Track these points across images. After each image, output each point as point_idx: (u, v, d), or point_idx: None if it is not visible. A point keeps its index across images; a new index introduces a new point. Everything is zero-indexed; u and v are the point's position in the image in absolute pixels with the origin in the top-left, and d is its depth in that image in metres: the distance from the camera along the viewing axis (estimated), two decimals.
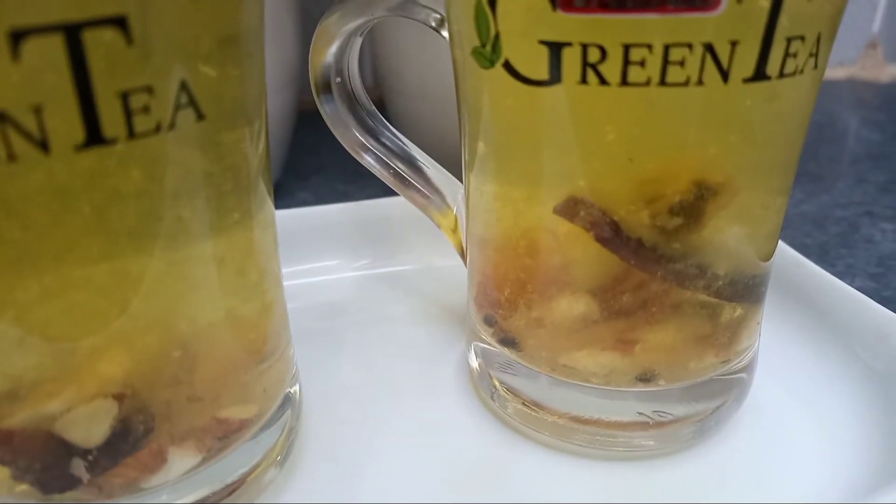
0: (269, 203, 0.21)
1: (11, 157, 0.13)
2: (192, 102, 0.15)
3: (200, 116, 0.16)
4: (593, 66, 0.17)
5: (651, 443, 0.24)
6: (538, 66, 0.18)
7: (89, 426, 0.18)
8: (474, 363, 0.26)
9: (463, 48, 0.21)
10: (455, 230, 0.27)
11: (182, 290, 0.18)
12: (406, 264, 0.35)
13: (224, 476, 0.21)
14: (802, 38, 0.18)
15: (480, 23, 0.18)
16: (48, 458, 0.18)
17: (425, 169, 0.27)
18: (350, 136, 0.27)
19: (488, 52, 0.19)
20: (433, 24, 0.24)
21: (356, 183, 0.48)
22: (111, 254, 0.16)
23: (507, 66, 0.19)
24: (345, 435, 0.24)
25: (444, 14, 0.24)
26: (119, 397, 0.18)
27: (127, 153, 0.15)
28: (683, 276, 0.21)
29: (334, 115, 0.26)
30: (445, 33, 0.24)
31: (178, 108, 0.15)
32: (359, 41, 0.26)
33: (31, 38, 0.13)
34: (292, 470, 0.23)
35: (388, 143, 0.27)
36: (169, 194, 0.16)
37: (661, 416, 0.24)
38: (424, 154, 0.28)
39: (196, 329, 0.19)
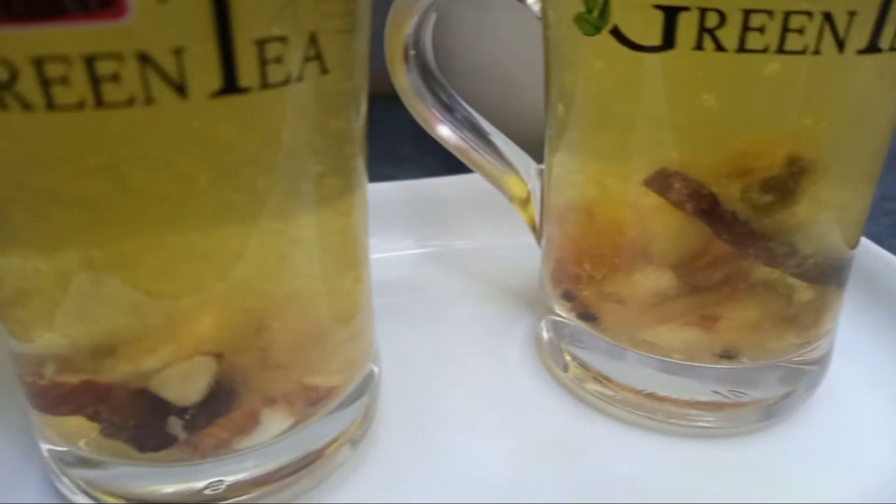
0: (366, 174, 0.21)
1: (149, 100, 0.13)
2: (319, 55, 0.15)
3: (324, 70, 0.16)
4: (710, 32, 0.17)
5: (724, 423, 0.24)
6: (650, 32, 0.18)
7: (187, 383, 0.18)
8: (546, 337, 0.26)
9: (560, 15, 0.20)
10: (527, 204, 0.27)
11: (286, 255, 0.18)
12: (461, 242, 0.34)
13: (308, 444, 0.21)
14: None
15: None
16: (144, 415, 0.18)
17: (497, 143, 0.27)
18: (424, 109, 0.26)
19: (594, 17, 0.19)
20: None
21: (400, 166, 0.48)
22: (224, 213, 0.16)
23: (616, 32, 0.18)
24: (418, 413, 0.24)
25: None
26: (217, 356, 0.18)
27: (257, 104, 0.15)
28: (773, 253, 0.21)
29: (410, 87, 0.26)
30: (531, 2, 0.23)
31: (306, 60, 0.15)
32: (434, 15, 0.26)
33: None
34: (368, 448, 0.23)
35: (460, 116, 0.27)
36: (286, 153, 0.16)
37: (737, 395, 0.24)
38: (494, 128, 0.27)
39: (294, 295, 0.19)
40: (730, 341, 0.23)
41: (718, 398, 0.24)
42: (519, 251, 0.32)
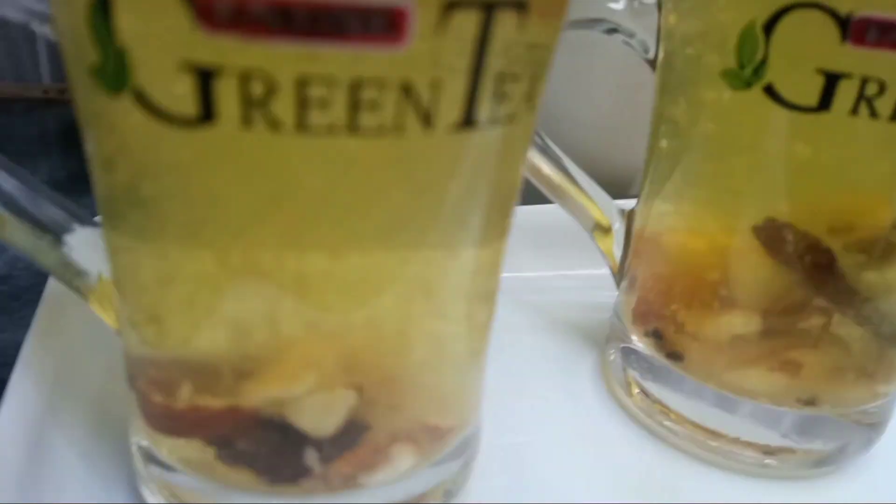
0: None
1: (398, 129, 0.13)
2: (531, 96, 0.15)
3: (530, 110, 0.16)
4: (868, 100, 0.18)
5: (785, 466, 0.25)
6: (808, 93, 0.18)
7: (327, 414, 0.18)
8: (619, 372, 0.27)
9: (697, 67, 0.21)
10: (608, 235, 0.27)
11: (439, 293, 0.18)
12: (508, 273, 0.34)
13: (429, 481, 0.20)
14: None
15: (746, 45, 0.19)
16: (281, 445, 0.18)
17: (579, 178, 0.27)
18: None
19: (747, 74, 0.19)
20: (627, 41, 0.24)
21: None
22: (407, 239, 0.16)
23: (770, 91, 0.19)
24: (507, 457, 0.24)
25: (630, 28, 0.24)
26: (358, 388, 0.18)
27: (483, 139, 0.14)
28: (863, 311, 0.22)
29: None
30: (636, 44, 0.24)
31: (525, 99, 0.15)
32: None
33: (459, 10, 0.12)
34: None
35: (542, 148, 0.27)
36: (481, 190, 0.16)
37: (806, 442, 0.25)
38: (570, 162, 0.28)
39: (438, 333, 0.18)
40: (813, 388, 0.24)
41: (788, 443, 0.25)
42: (571, 283, 0.32)
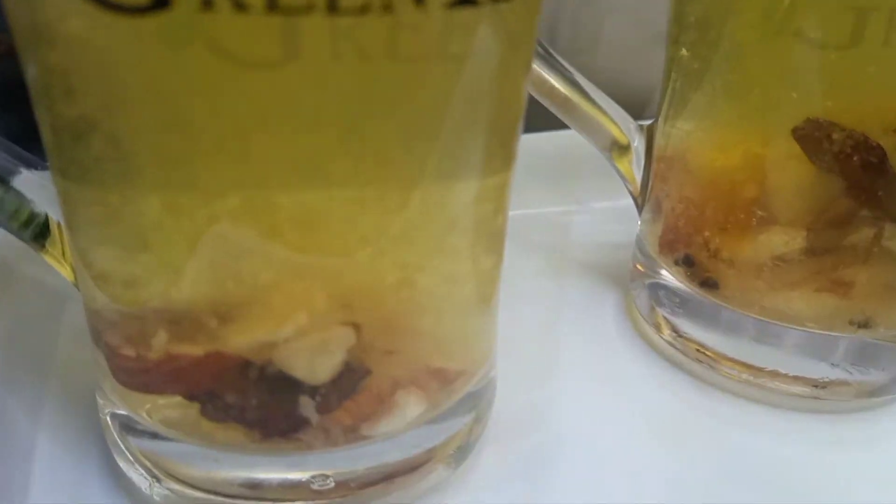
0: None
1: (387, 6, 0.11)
2: None
3: None
4: None
5: (842, 398, 0.22)
6: None
7: (321, 357, 0.15)
8: (647, 309, 0.24)
9: None
10: (625, 159, 0.25)
11: (439, 229, 0.15)
12: (516, 210, 0.32)
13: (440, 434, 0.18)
14: None
15: None
16: (272, 394, 0.15)
17: (591, 92, 0.25)
18: None
19: None
20: None
21: None
22: (397, 161, 0.13)
23: None
24: (530, 405, 0.22)
25: None
26: (356, 328, 0.15)
27: (484, 17, 0.12)
28: None
29: None
30: None
31: None
32: None
33: None
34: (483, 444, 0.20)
35: (549, 62, 0.24)
36: (471, 97, 0.14)
37: (861, 373, 0.22)
38: (589, 82, 0.25)
39: (440, 272, 0.16)
40: (866, 309, 0.21)
41: (841, 374, 0.22)
42: (587, 218, 0.30)
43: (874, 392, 0.22)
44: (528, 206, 0.31)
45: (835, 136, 0.19)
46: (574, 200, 0.31)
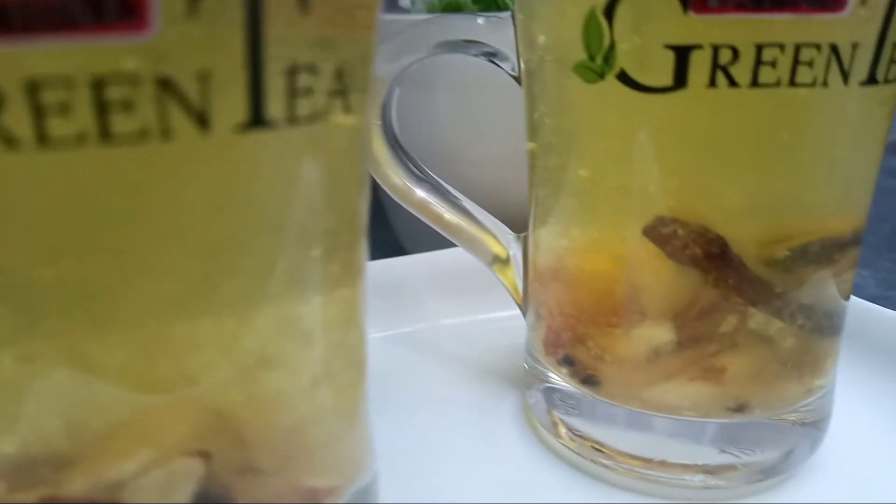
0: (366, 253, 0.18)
1: (166, 132, 0.11)
2: (344, 91, 0.14)
3: (347, 109, 0.14)
4: (724, 68, 0.17)
5: (731, 483, 0.23)
6: (661, 73, 0.17)
7: (170, 493, 0.15)
8: (539, 410, 0.24)
9: (553, 69, 0.20)
10: (507, 266, 0.25)
11: (290, 339, 0.16)
12: (421, 325, 0.32)
13: None
14: None
15: (591, 35, 0.18)
16: None
17: (470, 209, 0.26)
18: (395, 179, 0.25)
19: (598, 64, 0.18)
20: (492, 59, 0.23)
21: None
22: (225, 283, 0.14)
23: (623, 77, 0.18)
24: None
25: (495, 47, 0.23)
26: (204, 455, 0.15)
27: (282, 141, 0.13)
28: (775, 302, 0.21)
29: (378, 158, 0.25)
30: (505, 64, 0.23)
31: (332, 94, 0.13)
32: (398, 90, 0.25)
33: None
34: None
35: (433, 186, 0.26)
36: (303, 206, 0.14)
37: (747, 454, 0.23)
38: (464, 196, 0.26)
39: (297, 387, 0.16)
40: (739, 393, 0.22)
41: (729, 459, 0.22)
42: (483, 328, 0.30)
43: (766, 472, 0.23)
44: (434, 318, 0.32)
45: (679, 231, 0.20)
46: (479, 310, 0.32)
